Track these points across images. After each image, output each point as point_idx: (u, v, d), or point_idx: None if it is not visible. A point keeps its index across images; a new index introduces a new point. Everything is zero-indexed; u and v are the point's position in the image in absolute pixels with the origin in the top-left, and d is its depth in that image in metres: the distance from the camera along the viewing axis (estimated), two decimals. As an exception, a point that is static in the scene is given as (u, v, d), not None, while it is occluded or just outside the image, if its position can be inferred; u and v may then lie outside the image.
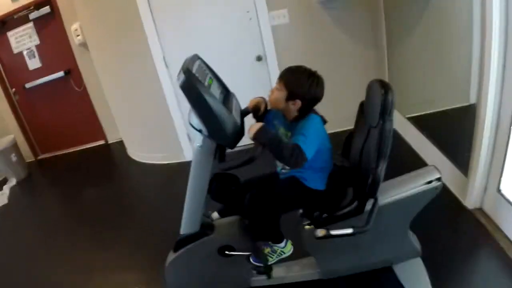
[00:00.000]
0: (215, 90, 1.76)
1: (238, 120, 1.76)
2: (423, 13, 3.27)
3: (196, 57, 1.83)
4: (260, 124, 1.68)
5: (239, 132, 1.73)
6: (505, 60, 2.12)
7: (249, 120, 1.92)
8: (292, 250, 2.10)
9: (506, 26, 2.06)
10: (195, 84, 1.58)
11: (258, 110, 1.95)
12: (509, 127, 2.18)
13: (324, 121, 1.85)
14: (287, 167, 1.93)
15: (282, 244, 2.07)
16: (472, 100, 2.68)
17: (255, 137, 1.66)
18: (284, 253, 2.09)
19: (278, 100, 1.80)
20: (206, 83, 1.68)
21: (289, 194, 1.95)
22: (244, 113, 1.94)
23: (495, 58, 2.13)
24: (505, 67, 2.13)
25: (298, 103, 1.77)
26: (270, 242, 2.07)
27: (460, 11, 2.79)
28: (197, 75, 1.63)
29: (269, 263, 2.10)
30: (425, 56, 3.35)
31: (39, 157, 5.77)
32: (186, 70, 1.60)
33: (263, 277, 2.19)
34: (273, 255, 2.08)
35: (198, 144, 1.80)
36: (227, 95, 1.90)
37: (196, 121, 1.72)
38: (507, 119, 2.18)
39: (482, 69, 2.24)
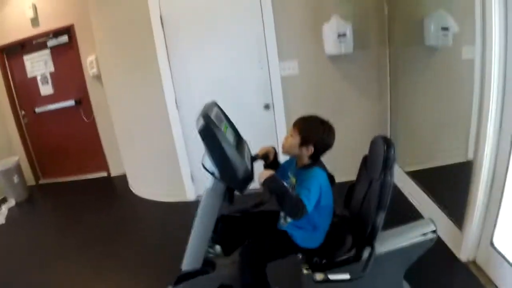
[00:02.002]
0: (230, 136, 1.87)
1: (249, 166, 1.86)
2: (426, 70, 3.41)
3: (214, 104, 1.95)
4: (270, 172, 1.77)
5: (250, 177, 1.82)
6: (502, 121, 2.24)
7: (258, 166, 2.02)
8: None
9: (504, 87, 2.19)
10: (213, 130, 1.68)
11: (267, 158, 2.05)
12: (504, 183, 2.27)
13: (333, 182, 1.95)
14: (287, 220, 2.01)
15: None
16: (470, 156, 2.78)
17: (264, 183, 1.74)
18: None
19: (292, 145, 1.90)
20: (222, 129, 1.78)
21: (284, 251, 2.02)
22: (253, 159, 2.04)
23: (492, 116, 2.25)
24: (501, 128, 2.25)
25: (311, 149, 1.88)
26: None
27: (462, 71, 2.92)
28: (215, 121, 1.73)
29: None
30: (427, 112, 3.47)
31: (40, 182, 5.79)
32: (206, 116, 1.70)
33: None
34: None
35: (209, 186, 1.89)
36: (239, 141, 2.00)
37: (209, 164, 1.81)
38: (502, 176, 2.28)
39: (479, 128, 2.35)
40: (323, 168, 1.94)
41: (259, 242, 2.02)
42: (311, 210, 1.77)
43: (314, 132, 1.88)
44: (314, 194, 1.79)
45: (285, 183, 1.81)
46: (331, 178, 1.95)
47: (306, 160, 1.93)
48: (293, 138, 1.90)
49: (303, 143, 1.88)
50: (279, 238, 2.01)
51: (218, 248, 2.18)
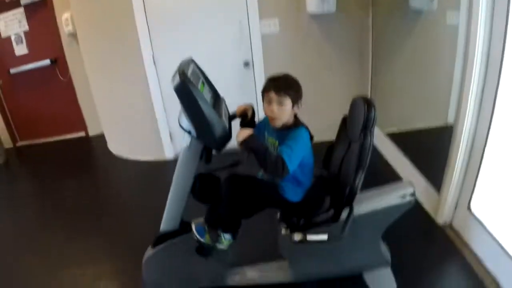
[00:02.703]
0: (207, 94, 1.82)
1: (227, 124, 1.82)
2: (409, 34, 3.38)
3: (190, 61, 1.88)
4: (249, 131, 1.72)
5: (227, 136, 1.78)
6: (484, 84, 2.22)
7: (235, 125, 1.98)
8: (226, 249, 2.08)
9: (488, 52, 2.16)
10: (189, 87, 1.63)
11: (246, 116, 2.01)
12: (483, 147, 2.28)
13: (311, 137, 1.88)
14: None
15: (229, 236, 2.04)
16: (450, 120, 2.79)
17: (242, 143, 1.69)
18: (222, 244, 2.05)
19: (285, 112, 1.81)
20: (199, 87, 1.73)
21: (265, 193, 1.97)
22: (231, 117, 2.00)
23: (475, 81, 2.24)
24: (484, 91, 2.24)
25: (301, 102, 1.84)
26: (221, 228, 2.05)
27: (446, 35, 2.90)
28: (191, 78, 1.68)
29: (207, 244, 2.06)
30: (408, 75, 3.46)
31: (18, 144, 5.67)
32: (182, 73, 1.64)
33: (238, 276, 2.24)
34: (215, 240, 2.05)
35: (186, 145, 1.85)
36: (217, 99, 1.95)
37: (185, 123, 1.77)
38: (482, 140, 2.29)
39: (462, 91, 2.34)
40: (305, 126, 1.88)
41: (248, 177, 1.98)
42: (293, 170, 1.72)
43: (298, 86, 1.83)
44: (297, 154, 1.74)
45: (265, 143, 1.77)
46: (309, 135, 1.89)
47: (290, 119, 1.86)
48: (284, 106, 1.79)
49: (295, 102, 1.81)
50: (265, 182, 1.98)
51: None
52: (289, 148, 1.72)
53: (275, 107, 1.80)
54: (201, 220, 2.09)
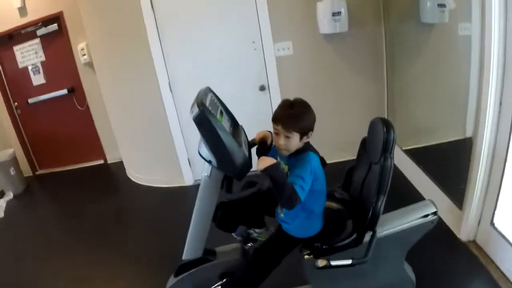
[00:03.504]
0: (226, 123, 1.83)
1: (247, 153, 1.82)
2: (422, 47, 3.39)
3: (208, 90, 1.90)
4: (272, 160, 1.68)
5: (248, 165, 1.78)
6: (502, 96, 2.20)
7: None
8: None
9: (504, 63, 2.15)
10: (208, 118, 1.64)
11: (265, 143, 2.00)
12: (504, 161, 2.25)
13: (324, 164, 1.86)
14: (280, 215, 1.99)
15: None
16: (468, 133, 2.77)
17: (265, 170, 1.66)
18: None
19: (292, 145, 1.77)
20: (217, 116, 1.74)
21: (289, 248, 2.01)
22: (251, 145, 2.00)
23: (492, 94, 2.22)
24: (502, 104, 2.22)
25: (311, 133, 1.79)
26: None
27: (459, 47, 2.89)
28: (210, 108, 1.69)
29: None
30: (424, 90, 3.45)
31: (37, 173, 5.76)
32: (200, 104, 1.65)
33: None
34: None
35: (206, 174, 1.85)
36: (236, 127, 1.96)
37: (205, 152, 1.77)
38: (502, 153, 2.26)
39: (480, 104, 2.32)
40: (315, 151, 1.84)
41: (263, 254, 2.01)
42: (303, 199, 1.71)
43: (306, 119, 1.76)
44: (308, 182, 1.72)
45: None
46: (322, 160, 1.86)
47: (299, 147, 1.83)
48: (291, 139, 1.75)
49: (303, 135, 1.76)
50: (280, 241, 1.99)
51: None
52: (300, 178, 1.70)
53: (282, 140, 1.77)
54: None
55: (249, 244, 2.20)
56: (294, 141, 1.76)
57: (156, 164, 4.45)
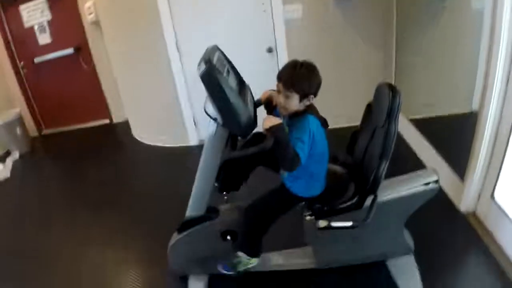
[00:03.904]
0: (232, 82, 1.83)
1: (252, 111, 1.83)
2: (433, 20, 3.33)
3: (216, 48, 1.89)
4: (277, 120, 1.70)
5: (253, 123, 1.78)
6: (510, 72, 2.18)
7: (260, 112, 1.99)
8: (257, 262, 2.19)
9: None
10: (216, 75, 1.64)
11: (271, 103, 2.00)
12: (508, 136, 2.25)
13: (326, 125, 1.86)
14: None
15: (255, 260, 2.17)
16: (474, 107, 2.76)
17: (270, 130, 1.67)
18: (251, 263, 2.18)
19: (292, 105, 1.78)
20: (224, 74, 1.74)
21: (287, 205, 2.03)
22: (256, 104, 2.00)
23: (500, 68, 2.20)
24: (509, 80, 2.20)
25: (312, 97, 1.77)
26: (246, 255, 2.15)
27: (471, 20, 2.85)
28: (217, 66, 1.69)
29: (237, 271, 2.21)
30: (432, 61, 3.41)
31: (43, 132, 5.80)
32: (208, 61, 1.65)
33: (263, 262, 2.28)
34: (241, 265, 2.19)
35: (211, 132, 1.87)
36: (242, 86, 1.96)
37: (211, 110, 1.78)
38: (507, 128, 2.25)
39: (487, 78, 2.31)
40: (315, 114, 1.83)
41: (262, 202, 2.04)
42: (304, 161, 1.72)
43: (308, 82, 1.74)
44: (307, 144, 1.73)
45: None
46: (323, 122, 1.85)
47: (301, 108, 1.83)
48: (290, 99, 1.75)
49: (303, 97, 1.76)
50: (281, 195, 2.01)
51: None
52: (300, 141, 1.71)
53: (281, 99, 1.78)
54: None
55: None
56: (293, 102, 1.76)
57: (161, 124, 4.48)
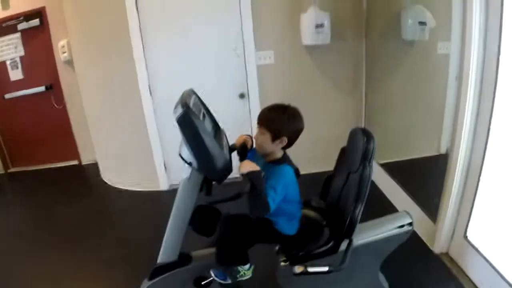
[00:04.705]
0: (208, 125, 1.83)
1: (228, 156, 1.82)
2: (402, 63, 3.46)
3: (192, 92, 1.89)
4: (256, 166, 1.70)
5: (229, 168, 1.78)
6: (478, 114, 2.27)
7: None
8: (251, 275, 2.10)
9: (481, 80, 2.21)
10: (192, 118, 1.63)
11: (245, 148, 2.00)
12: (479, 175, 2.31)
13: (297, 174, 1.88)
14: None
15: (247, 266, 2.08)
16: (443, 150, 2.84)
17: (248, 175, 1.67)
18: (245, 275, 2.09)
19: (265, 143, 1.82)
20: (201, 118, 1.74)
21: (261, 232, 1.99)
22: (232, 149, 2.00)
23: (469, 108, 2.28)
24: (478, 121, 2.28)
25: (285, 140, 1.80)
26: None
27: (437, 65, 2.96)
28: (193, 109, 1.68)
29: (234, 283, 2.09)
30: (401, 105, 3.52)
31: (10, 170, 5.60)
32: (184, 104, 1.64)
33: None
34: (234, 276, 2.08)
35: (186, 176, 1.84)
36: (218, 130, 1.96)
37: (186, 154, 1.76)
38: (477, 169, 2.32)
39: (456, 119, 2.38)
40: (291, 163, 1.87)
41: (243, 216, 2.00)
42: (273, 209, 1.72)
43: (283, 124, 1.80)
44: (280, 194, 1.74)
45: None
46: (296, 171, 1.88)
47: (278, 153, 1.88)
48: (263, 136, 1.82)
49: (275, 137, 1.81)
50: (261, 220, 1.96)
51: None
52: (272, 189, 1.72)
53: (257, 135, 1.86)
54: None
55: None
56: (266, 140, 1.82)
57: (131, 167, 4.40)
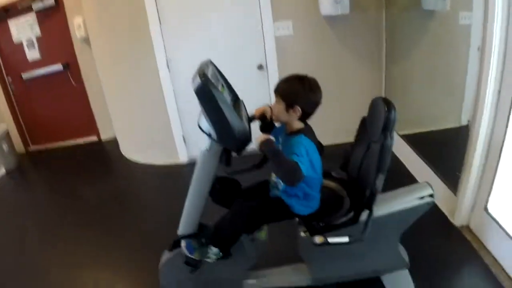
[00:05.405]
0: (227, 96, 1.82)
1: (247, 127, 1.81)
2: (422, 34, 3.38)
3: (209, 62, 1.88)
4: (266, 136, 1.70)
5: (248, 138, 1.77)
6: (501, 85, 2.22)
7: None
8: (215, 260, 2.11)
9: (504, 52, 2.15)
10: (211, 89, 1.62)
11: (265, 118, 1.99)
12: (501, 147, 2.27)
13: (321, 150, 1.86)
14: (279, 186, 1.97)
15: (217, 251, 2.07)
16: (464, 122, 2.79)
17: (260, 147, 1.68)
18: (211, 259, 2.09)
19: (280, 112, 1.82)
20: (219, 89, 1.73)
21: (278, 214, 1.99)
22: (250, 120, 1.99)
23: (491, 80, 2.23)
24: (500, 92, 2.23)
25: (298, 110, 1.78)
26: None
27: (459, 36, 2.89)
28: (212, 80, 1.67)
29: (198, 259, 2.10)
30: (421, 76, 3.46)
31: (30, 149, 5.71)
32: (203, 75, 1.63)
33: (257, 279, 2.23)
34: (204, 254, 2.09)
35: (205, 147, 1.84)
36: (236, 101, 1.95)
37: (205, 125, 1.76)
38: (499, 141, 2.28)
39: (479, 91, 2.33)
40: (310, 136, 1.84)
41: (256, 202, 1.99)
42: (307, 174, 1.69)
43: (296, 93, 1.78)
44: (304, 157, 1.71)
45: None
46: (319, 146, 1.86)
47: (296, 124, 1.85)
48: (278, 105, 1.82)
49: (289, 106, 1.79)
50: (275, 203, 1.97)
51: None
52: (295, 154, 1.69)
53: (274, 105, 1.86)
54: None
55: None
56: (281, 109, 1.81)
57: (150, 142, 4.43)
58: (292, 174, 1.64)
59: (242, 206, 1.97)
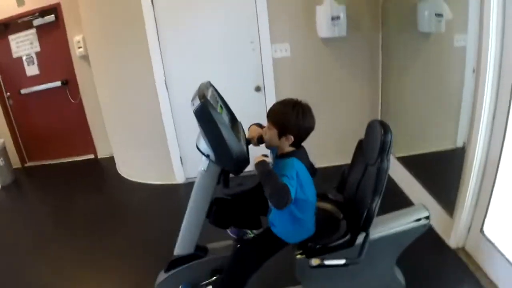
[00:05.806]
0: (225, 117, 1.83)
1: (245, 148, 1.82)
2: (418, 56, 3.42)
3: (209, 84, 1.90)
4: (261, 157, 1.71)
5: (246, 159, 1.78)
6: (496, 107, 2.24)
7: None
8: None
9: (499, 74, 2.18)
10: (210, 110, 1.64)
11: (262, 140, 1.97)
12: (496, 170, 2.28)
13: (313, 172, 1.87)
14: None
15: None
16: (459, 143, 2.80)
17: (255, 166, 1.69)
18: None
19: (271, 138, 1.81)
20: (218, 110, 1.74)
21: (276, 250, 2.00)
22: (248, 141, 1.99)
23: (486, 103, 2.25)
24: (495, 114, 2.25)
25: (290, 138, 1.77)
26: None
27: (454, 57, 2.92)
28: (211, 101, 1.69)
29: None
30: (417, 98, 3.48)
31: (26, 165, 5.68)
32: (202, 96, 1.65)
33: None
34: None
35: (203, 168, 1.85)
36: (235, 123, 1.97)
37: (204, 146, 1.77)
38: (494, 163, 2.29)
39: (474, 113, 2.35)
40: (301, 158, 1.82)
41: (251, 246, 2.02)
42: (294, 197, 1.66)
43: (288, 120, 1.75)
44: (294, 179, 1.69)
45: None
46: (312, 169, 1.86)
47: (288, 148, 1.84)
48: (270, 131, 1.80)
49: (281, 134, 1.78)
50: (269, 240, 1.97)
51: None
52: (286, 176, 1.68)
53: (266, 130, 1.85)
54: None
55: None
56: (273, 135, 1.80)
57: (147, 161, 4.42)
58: (281, 196, 1.60)
59: (243, 250, 1.99)
